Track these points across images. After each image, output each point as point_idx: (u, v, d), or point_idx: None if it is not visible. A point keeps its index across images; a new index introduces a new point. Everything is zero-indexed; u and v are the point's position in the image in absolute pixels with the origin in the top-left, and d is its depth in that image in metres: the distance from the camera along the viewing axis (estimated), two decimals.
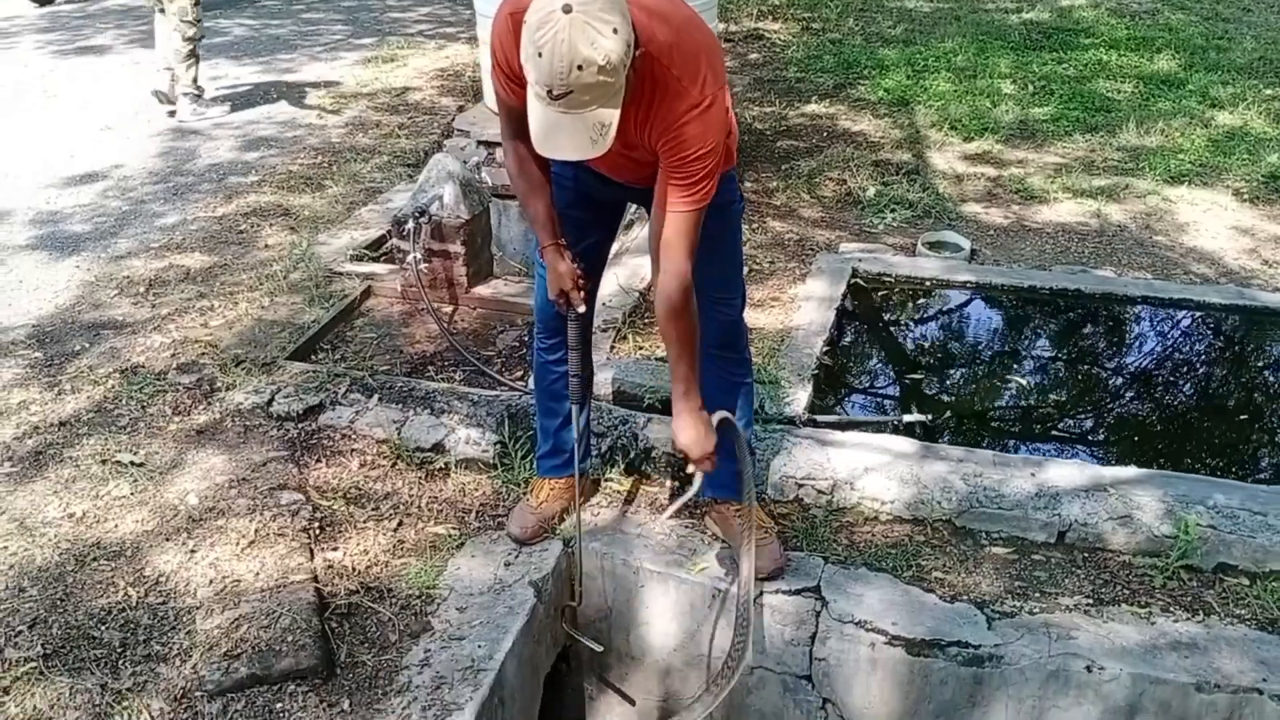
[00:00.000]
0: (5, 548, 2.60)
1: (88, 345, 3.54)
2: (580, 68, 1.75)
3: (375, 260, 4.09)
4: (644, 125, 2.01)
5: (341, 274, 3.92)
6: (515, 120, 2.12)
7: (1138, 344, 3.81)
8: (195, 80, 5.93)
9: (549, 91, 1.79)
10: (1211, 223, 4.60)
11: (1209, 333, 3.81)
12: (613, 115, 1.85)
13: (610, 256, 3.93)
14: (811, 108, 6.22)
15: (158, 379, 3.30)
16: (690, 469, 2.25)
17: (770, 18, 8.45)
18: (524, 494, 2.80)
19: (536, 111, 1.86)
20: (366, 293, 3.85)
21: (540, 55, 1.76)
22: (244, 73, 7.01)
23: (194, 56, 5.85)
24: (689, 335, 2.18)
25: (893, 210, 4.70)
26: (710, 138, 1.99)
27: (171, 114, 5.93)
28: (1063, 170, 5.21)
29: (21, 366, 3.42)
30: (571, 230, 2.37)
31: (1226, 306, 3.72)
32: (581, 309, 2.40)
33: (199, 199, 4.83)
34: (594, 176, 2.31)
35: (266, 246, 4.28)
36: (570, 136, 1.86)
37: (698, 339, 2.22)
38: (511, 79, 2.05)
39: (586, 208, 2.42)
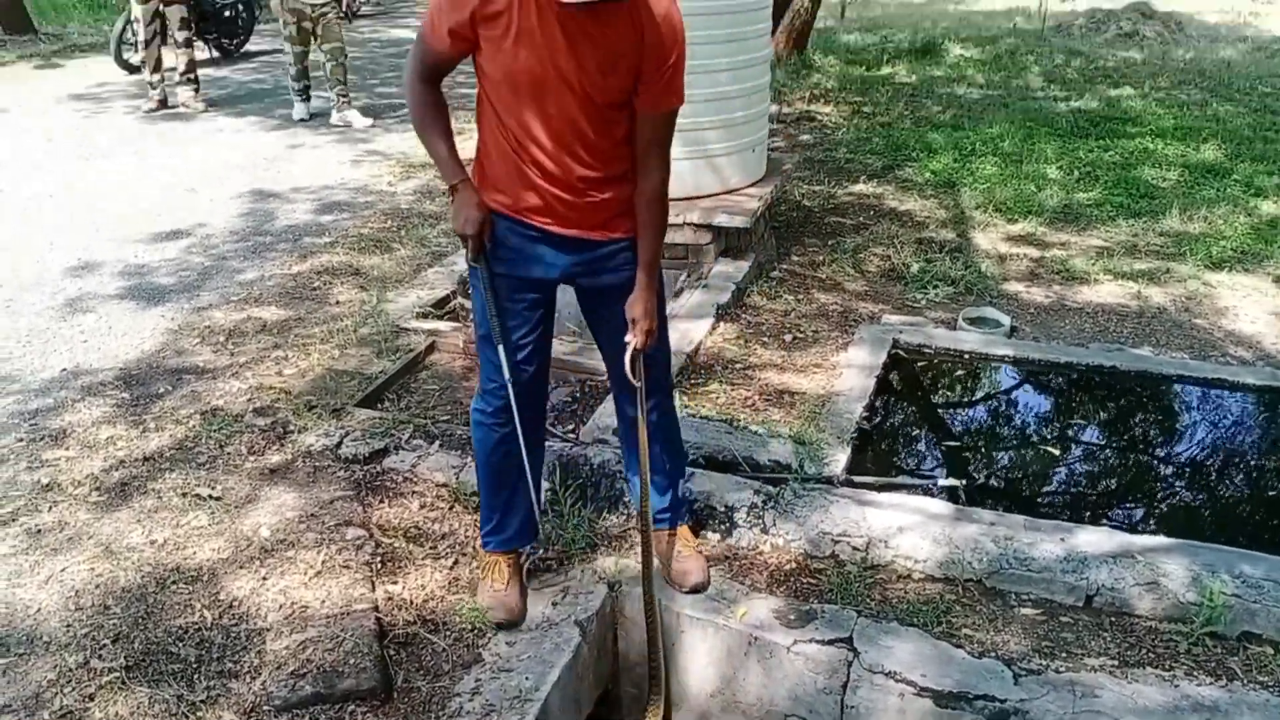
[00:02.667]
0: (93, 569, 2.81)
1: (171, 388, 3.80)
2: None
3: (440, 318, 4.32)
4: (641, 26, 2.19)
5: (408, 330, 4.16)
6: (434, 66, 2.33)
7: (1171, 420, 3.90)
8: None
9: None
10: (1251, 308, 4.69)
11: (1242, 411, 3.88)
12: None
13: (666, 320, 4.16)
14: (860, 187, 6.43)
15: (235, 421, 3.53)
16: (630, 336, 2.48)
17: (823, 101, 8.74)
18: (482, 575, 2.77)
19: None
20: (431, 347, 4.08)
21: None
22: (321, 141, 7.42)
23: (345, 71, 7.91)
24: (666, 219, 2.51)
25: (935, 286, 4.86)
26: (682, 33, 2.26)
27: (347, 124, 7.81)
28: (1105, 253, 5.34)
29: (110, 406, 3.68)
30: (515, 320, 2.51)
31: (1261, 387, 3.81)
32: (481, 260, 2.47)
33: (276, 257, 5.13)
34: (534, 241, 2.43)
35: (338, 303, 4.55)
36: None
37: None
38: (460, 31, 2.21)
39: (525, 290, 2.50)
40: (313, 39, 7.80)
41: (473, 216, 2.41)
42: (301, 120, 8.04)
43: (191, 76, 8.41)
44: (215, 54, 10.66)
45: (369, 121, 7.97)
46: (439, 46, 2.28)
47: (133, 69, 9.35)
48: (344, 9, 7.96)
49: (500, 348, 2.52)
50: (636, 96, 2.29)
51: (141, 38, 8.16)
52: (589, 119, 2.28)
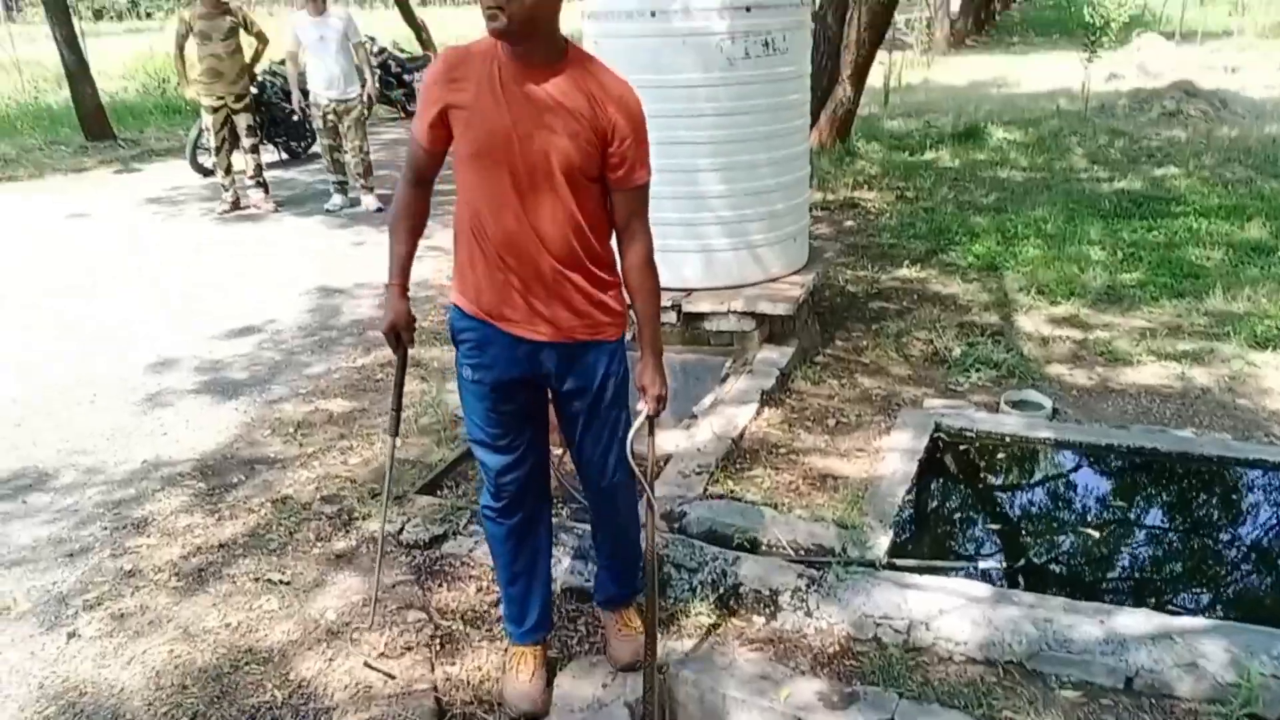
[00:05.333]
0: (172, 651, 2.99)
1: (244, 478, 4.02)
2: None
3: None
4: (602, 102, 2.33)
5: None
6: (421, 168, 2.52)
7: (1211, 502, 3.93)
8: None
9: None
10: None
11: None
12: None
13: (706, 406, 4.31)
14: (903, 272, 6.57)
15: (304, 509, 3.73)
16: (642, 404, 2.58)
17: (866, 187, 8.95)
18: (506, 667, 2.84)
19: None
20: None
21: None
22: (384, 239, 7.76)
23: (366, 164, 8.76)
24: (659, 286, 2.60)
25: (978, 370, 4.95)
26: (640, 112, 2.40)
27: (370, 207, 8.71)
28: (1148, 334, 5.40)
29: (188, 495, 3.91)
30: (500, 427, 2.59)
31: None
32: (411, 347, 2.72)
33: (342, 351, 5.41)
34: (512, 345, 2.51)
35: None
36: None
37: None
38: (434, 123, 2.39)
39: (508, 398, 2.58)
40: (340, 134, 8.58)
41: (388, 318, 2.65)
42: (332, 210, 8.79)
43: (260, 179, 8.91)
44: (283, 156, 11.23)
45: (378, 205, 8.73)
46: (422, 141, 2.45)
47: (207, 172, 9.89)
48: (368, 105, 8.70)
49: (488, 452, 2.63)
50: (610, 173, 2.41)
51: (213, 143, 8.69)
52: (557, 191, 2.36)
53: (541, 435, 2.72)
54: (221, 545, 3.54)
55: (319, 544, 3.52)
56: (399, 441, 3.17)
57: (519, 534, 2.74)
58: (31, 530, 3.68)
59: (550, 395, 2.66)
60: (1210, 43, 20.69)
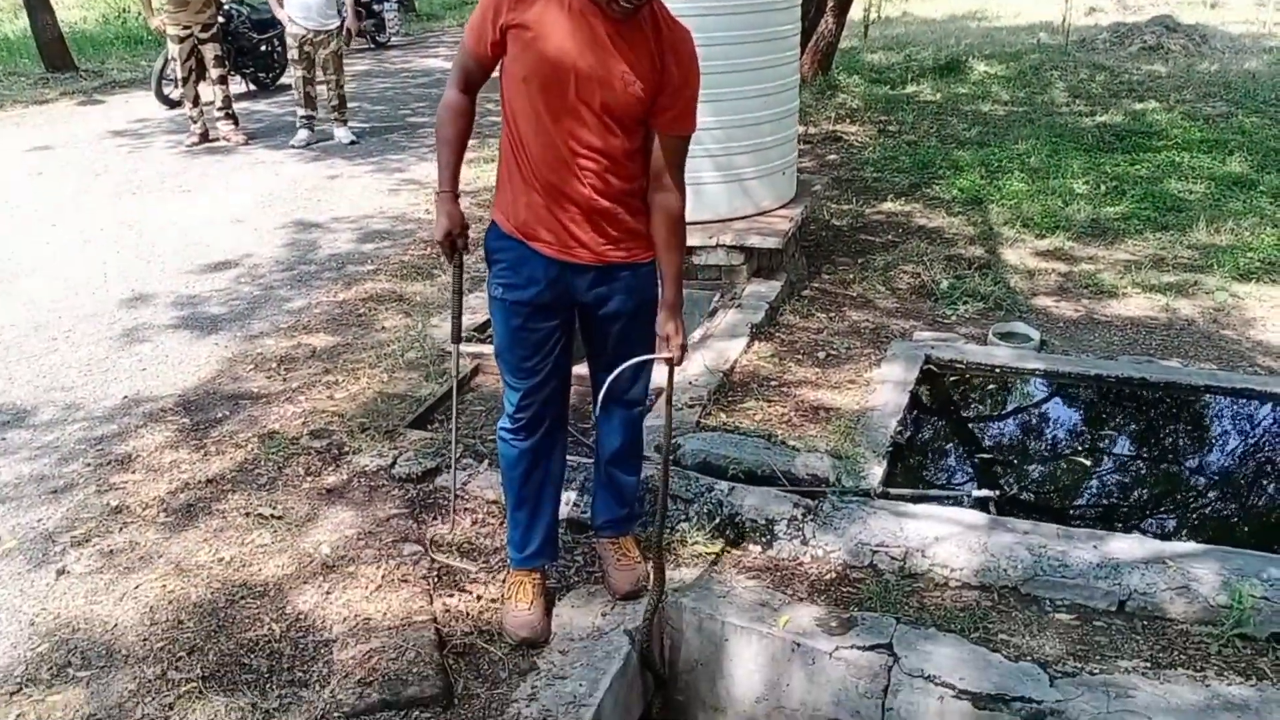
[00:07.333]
0: (165, 586, 2.96)
1: (229, 413, 3.96)
2: None
3: (483, 341, 4.46)
4: (660, 53, 2.37)
5: (452, 353, 4.30)
6: (472, 78, 2.51)
7: (1200, 430, 3.98)
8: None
9: None
10: (1279, 318, 4.75)
11: (1270, 421, 3.95)
12: None
13: (696, 340, 4.28)
14: (888, 205, 6.54)
15: (292, 443, 3.68)
16: (664, 352, 2.60)
17: (848, 120, 8.87)
18: (505, 595, 2.82)
19: None
20: (475, 370, 4.22)
21: None
22: (359, 171, 7.63)
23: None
24: (685, 238, 2.64)
25: (965, 302, 4.95)
26: (698, 66, 2.44)
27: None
28: (1133, 267, 5.41)
29: (172, 431, 3.84)
30: (528, 348, 2.60)
31: None
32: (467, 253, 2.72)
33: (322, 285, 5.31)
34: (547, 266, 2.52)
35: (384, 329, 4.71)
36: None
37: None
38: (494, 39, 2.38)
39: (539, 317, 2.58)
40: (315, 65, 8.29)
41: (441, 224, 2.61)
42: (297, 146, 8.42)
43: (229, 111, 8.68)
44: (251, 87, 10.95)
45: (352, 138, 8.56)
46: (477, 53, 2.44)
47: (173, 104, 9.62)
48: (346, 39, 8.43)
49: (512, 373, 2.64)
50: (654, 118, 2.42)
51: (179, 74, 8.43)
52: (603, 129, 2.38)
53: (566, 359, 2.71)
54: (209, 481, 3.49)
55: (309, 479, 3.48)
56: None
57: (532, 457, 2.74)
58: (13, 467, 3.61)
59: (579, 317, 2.67)
60: None
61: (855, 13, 12.22)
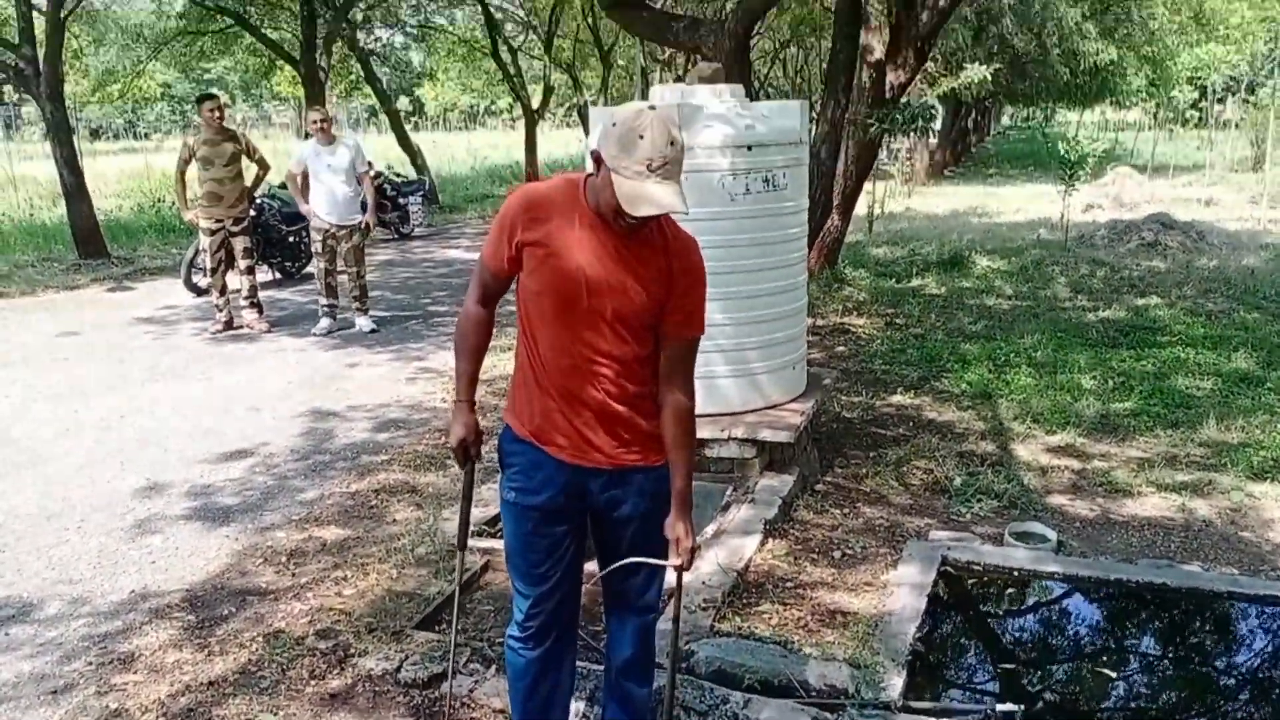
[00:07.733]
0: None
1: (235, 610, 3.90)
2: (672, 143, 2.26)
3: (494, 536, 4.43)
4: (668, 262, 2.44)
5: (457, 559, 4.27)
6: (489, 292, 2.60)
7: (1225, 638, 3.87)
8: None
9: (649, 165, 2.25)
10: None
11: None
12: (682, 187, 2.31)
13: (709, 535, 4.25)
14: (898, 398, 6.60)
15: (297, 644, 3.61)
16: (673, 558, 2.53)
17: (855, 313, 9.07)
18: None
19: (628, 187, 2.27)
20: (486, 566, 4.17)
21: (642, 138, 2.24)
22: (378, 359, 7.78)
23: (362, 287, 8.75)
24: (695, 439, 2.61)
25: (979, 500, 4.93)
26: (704, 274, 2.53)
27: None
28: (1146, 464, 5.40)
29: (177, 629, 3.78)
30: (539, 553, 2.60)
31: None
32: (479, 461, 2.73)
33: (335, 476, 5.33)
34: (560, 470, 2.55)
35: (395, 521, 4.69)
36: (664, 195, 2.26)
37: None
38: (509, 255, 2.47)
39: (551, 522, 2.59)
40: (337, 257, 8.59)
41: (456, 432, 2.66)
42: (319, 335, 8.62)
43: (255, 300, 8.94)
44: (277, 276, 11.32)
45: (372, 326, 8.77)
46: (494, 270, 2.54)
47: (200, 292, 9.93)
48: (365, 233, 8.80)
49: (523, 579, 2.62)
50: (663, 323, 2.49)
51: (208, 264, 8.75)
52: (616, 336, 2.45)
53: (577, 568, 2.69)
54: (211, 683, 3.40)
55: (313, 682, 3.39)
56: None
57: (540, 666, 2.68)
58: (14, 665, 3.54)
59: (591, 521, 2.66)
60: (1182, 175, 21.42)
61: (860, 208, 12.70)
